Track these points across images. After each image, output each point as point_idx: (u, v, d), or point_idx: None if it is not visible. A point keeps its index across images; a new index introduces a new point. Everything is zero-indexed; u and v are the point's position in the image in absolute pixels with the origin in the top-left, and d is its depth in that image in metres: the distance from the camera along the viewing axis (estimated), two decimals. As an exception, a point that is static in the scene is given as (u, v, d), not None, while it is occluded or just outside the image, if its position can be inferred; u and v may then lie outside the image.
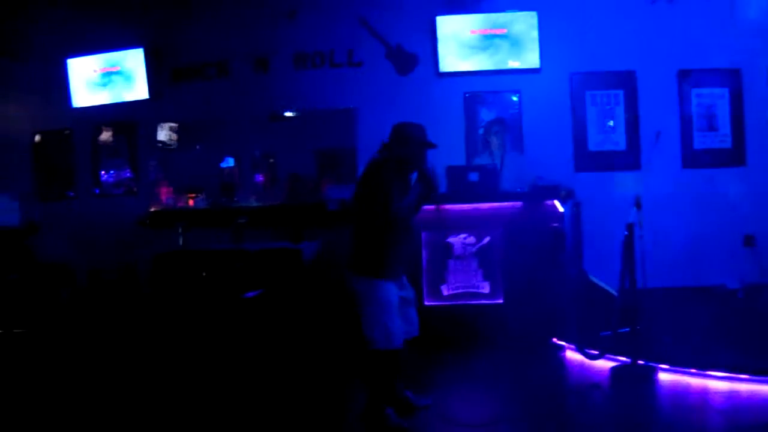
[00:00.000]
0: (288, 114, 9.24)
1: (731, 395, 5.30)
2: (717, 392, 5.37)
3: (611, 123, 8.83)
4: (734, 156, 8.77)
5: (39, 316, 8.32)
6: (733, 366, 5.61)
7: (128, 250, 8.59)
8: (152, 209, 9.06)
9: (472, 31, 8.81)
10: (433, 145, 5.02)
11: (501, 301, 7.00)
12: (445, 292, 7.13)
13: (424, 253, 7.14)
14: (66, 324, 8.28)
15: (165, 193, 9.18)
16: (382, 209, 4.68)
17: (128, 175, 9.52)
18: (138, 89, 9.29)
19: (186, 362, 6.65)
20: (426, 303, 7.03)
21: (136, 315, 8.02)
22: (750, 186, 8.55)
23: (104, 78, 9.42)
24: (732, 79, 8.77)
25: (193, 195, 9.11)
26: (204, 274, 7.52)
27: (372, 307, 4.79)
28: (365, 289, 4.82)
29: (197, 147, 9.59)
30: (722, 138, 8.80)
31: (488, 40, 8.79)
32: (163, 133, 9.43)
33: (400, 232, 4.89)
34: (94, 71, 9.45)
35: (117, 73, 9.38)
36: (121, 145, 9.54)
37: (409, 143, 4.92)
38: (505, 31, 8.76)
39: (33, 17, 9.22)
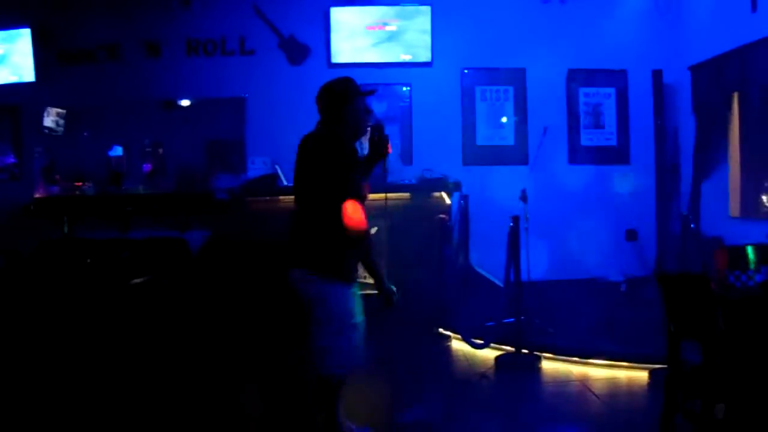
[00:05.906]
0: (179, 102, 9.05)
1: (610, 382, 5.52)
2: (597, 379, 5.57)
3: (504, 119, 9.00)
4: (619, 154, 9.09)
5: None
6: (613, 354, 5.83)
7: (11, 238, 8.29)
8: (37, 196, 8.78)
9: (366, 23, 8.83)
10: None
11: (388, 290, 7.01)
12: (331, 283, 7.14)
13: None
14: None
15: (51, 180, 8.89)
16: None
17: (12, 160, 9.14)
18: (24, 71, 8.90)
19: (67, 352, 6.45)
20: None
21: (19, 303, 7.75)
22: (633, 183, 8.88)
23: (-13, 58, 9.02)
24: (618, 80, 9.07)
25: (80, 183, 8.87)
26: (89, 261, 7.32)
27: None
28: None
29: (85, 134, 9.28)
30: (608, 136, 9.11)
31: (381, 33, 8.83)
32: (50, 119, 9.08)
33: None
34: (-24, 51, 9.03)
35: (1, 53, 9.00)
36: (4, 129, 9.15)
37: None
38: (398, 23, 8.82)
39: None
